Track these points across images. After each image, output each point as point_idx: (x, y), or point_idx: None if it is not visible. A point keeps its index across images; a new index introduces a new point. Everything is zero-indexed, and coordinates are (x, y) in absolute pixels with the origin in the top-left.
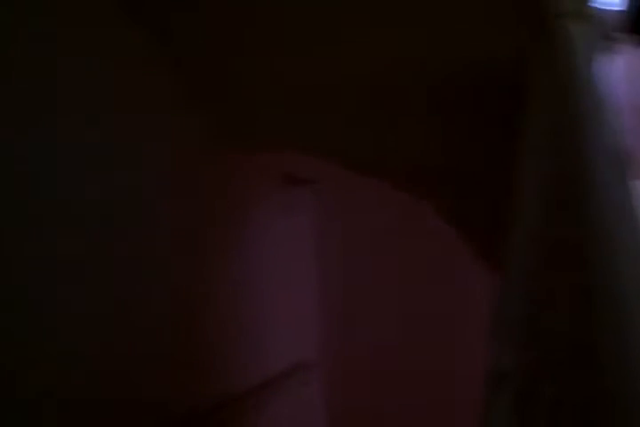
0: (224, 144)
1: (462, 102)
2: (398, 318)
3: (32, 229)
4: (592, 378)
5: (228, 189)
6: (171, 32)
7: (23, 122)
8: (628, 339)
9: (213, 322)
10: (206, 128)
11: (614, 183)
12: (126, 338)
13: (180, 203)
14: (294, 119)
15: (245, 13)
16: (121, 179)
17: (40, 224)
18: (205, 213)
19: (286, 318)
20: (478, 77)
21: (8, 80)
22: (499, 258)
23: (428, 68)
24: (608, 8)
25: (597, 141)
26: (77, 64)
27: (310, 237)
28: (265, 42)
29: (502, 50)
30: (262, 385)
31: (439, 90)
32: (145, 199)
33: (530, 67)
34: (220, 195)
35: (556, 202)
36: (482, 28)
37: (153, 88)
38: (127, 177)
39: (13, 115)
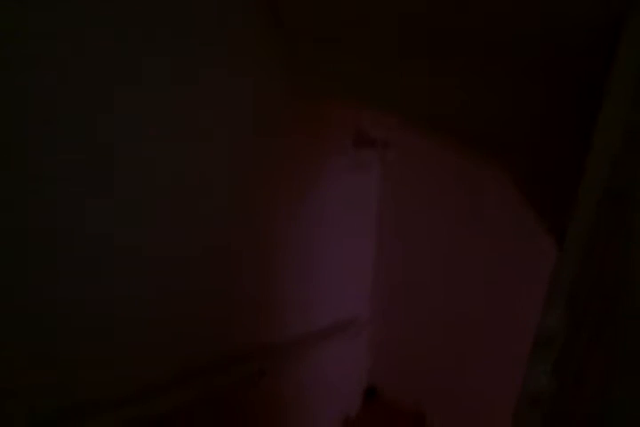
0: (308, 95)
1: (551, 65)
2: (449, 281)
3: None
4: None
5: (305, 140)
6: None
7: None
8: None
9: (283, 265)
10: (294, 81)
11: None
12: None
13: (263, 141)
14: (371, 77)
15: None
16: (222, 113)
17: None
18: (283, 155)
19: (346, 272)
20: (574, 39)
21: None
22: (560, 232)
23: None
24: None
25: None
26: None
27: (373, 195)
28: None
29: (601, 14)
30: (319, 332)
31: (534, 48)
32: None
33: (624, 34)
34: (297, 142)
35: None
36: None
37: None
38: (227, 112)
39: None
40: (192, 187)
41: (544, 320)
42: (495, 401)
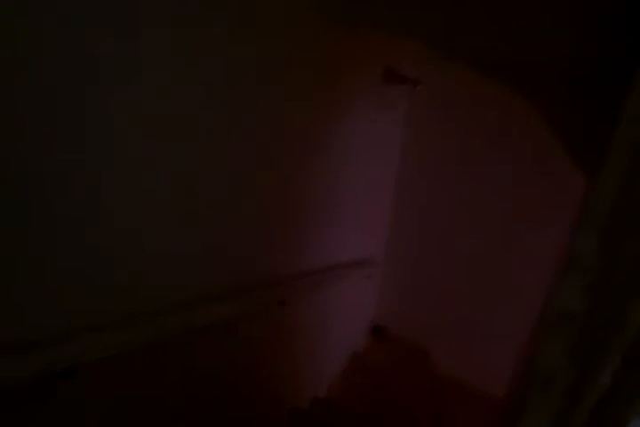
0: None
1: None
2: (465, 224)
3: None
4: None
5: (336, 74)
6: None
7: None
8: None
9: (306, 199)
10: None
11: None
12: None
13: (294, 72)
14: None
15: None
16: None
17: None
18: (313, 88)
19: (366, 211)
20: None
21: None
22: (591, 168)
23: None
24: None
25: None
26: None
27: (398, 135)
28: None
29: None
30: (335, 268)
31: None
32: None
33: None
34: (328, 76)
35: None
36: None
37: None
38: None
39: None
40: (216, 120)
41: (576, 246)
42: (496, 338)
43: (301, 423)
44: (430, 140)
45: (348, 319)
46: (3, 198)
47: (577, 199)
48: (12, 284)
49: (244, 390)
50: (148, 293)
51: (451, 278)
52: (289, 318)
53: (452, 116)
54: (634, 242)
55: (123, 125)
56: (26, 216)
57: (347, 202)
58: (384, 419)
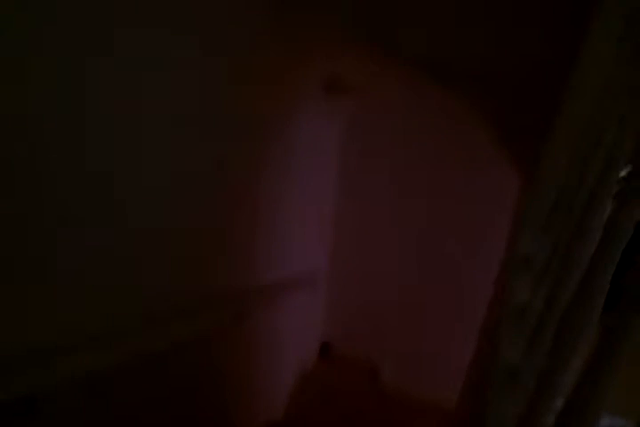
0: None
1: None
2: (407, 236)
3: None
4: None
5: (279, 83)
6: None
7: None
8: None
9: (252, 211)
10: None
11: None
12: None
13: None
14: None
15: None
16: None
17: None
18: (256, 96)
19: (309, 222)
20: None
21: None
22: (528, 161)
23: None
24: None
25: None
26: None
27: (339, 144)
28: None
29: None
30: (280, 282)
31: None
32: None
33: None
34: (271, 85)
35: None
36: None
37: None
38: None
39: None
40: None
41: (520, 246)
42: (445, 352)
43: None
44: (371, 148)
45: (297, 337)
46: None
47: (514, 200)
48: None
49: (201, 413)
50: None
51: (397, 292)
52: (240, 336)
53: (394, 123)
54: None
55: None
56: None
57: (290, 215)
58: None
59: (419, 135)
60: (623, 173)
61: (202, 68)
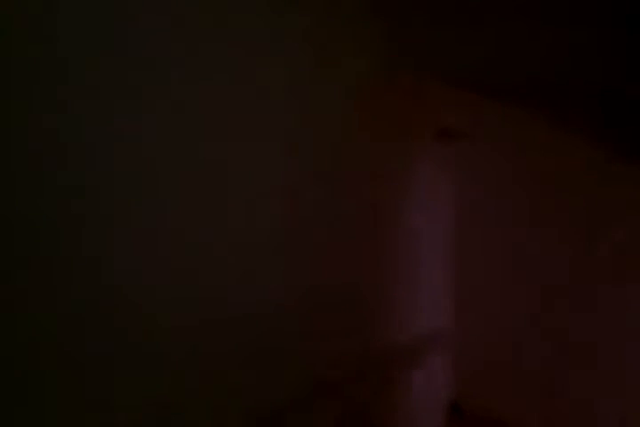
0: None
1: None
2: (532, 288)
3: None
4: None
5: (397, 132)
6: None
7: None
8: None
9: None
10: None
11: None
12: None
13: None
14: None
15: None
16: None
17: None
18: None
19: (434, 282)
20: None
21: None
22: None
23: None
24: None
25: None
26: None
27: (455, 191)
28: None
29: None
30: (413, 342)
31: None
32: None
33: None
34: (391, 133)
35: None
36: None
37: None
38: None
39: None
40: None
41: None
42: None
43: None
44: (487, 194)
45: (429, 398)
46: None
47: None
48: None
49: None
50: None
51: (528, 347)
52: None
53: (509, 166)
54: None
55: None
56: None
57: (415, 272)
58: None
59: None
60: None
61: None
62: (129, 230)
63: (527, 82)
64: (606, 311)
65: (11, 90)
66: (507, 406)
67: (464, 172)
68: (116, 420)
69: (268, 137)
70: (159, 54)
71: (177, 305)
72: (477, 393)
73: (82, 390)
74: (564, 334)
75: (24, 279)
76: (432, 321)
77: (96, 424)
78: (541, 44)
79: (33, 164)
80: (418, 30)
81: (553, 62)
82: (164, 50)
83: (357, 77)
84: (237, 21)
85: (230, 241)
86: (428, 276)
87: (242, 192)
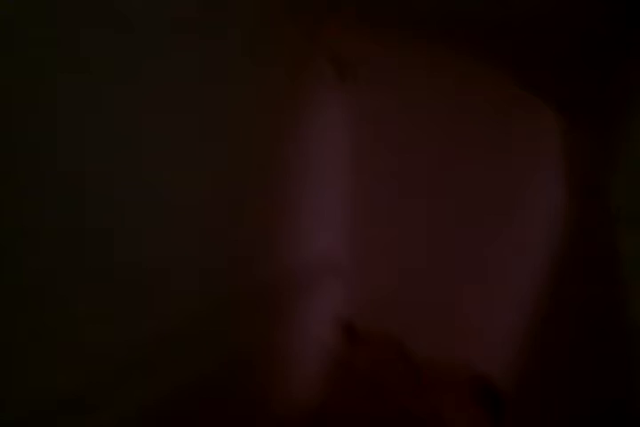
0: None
1: None
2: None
3: None
4: None
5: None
6: None
7: None
8: None
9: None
10: None
11: None
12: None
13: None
14: None
15: None
16: None
17: None
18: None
19: (326, 210)
20: None
21: None
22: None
23: None
24: None
25: None
26: None
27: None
28: None
29: None
30: (303, 270)
31: None
32: None
33: None
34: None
35: None
36: None
37: None
38: None
39: None
40: None
41: None
42: (471, 318)
43: None
44: (383, 125)
45: (323, 321)
46: None
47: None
48: None
49: (242, 407)
50: None
51: (417, 266)
52: (272, 329)
53: (406, 97)
54: None
55: None
56: None
57: (304, 195)
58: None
59: (435, 103)
60: None
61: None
62: None
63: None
64: (492, 228)
65: None
66: (399, 324)
67: (361, 107)
68: None
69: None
70: None
71: None
72: (370, 314)
73: None
74: (451, 251)
75: None
76: (323, 246)
77: None
78: None
79: None
80: None
81: None
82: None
83: (254, 25)
84: None
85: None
86: (320, 205)
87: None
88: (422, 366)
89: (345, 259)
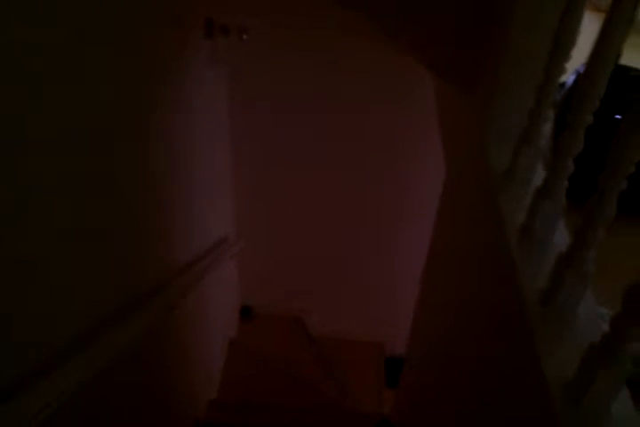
0: None
1: None
2: (309, 188)
3: None
4: None
5: (153, 30)
6: None
7: None
8: None
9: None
10: None
11: None
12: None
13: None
14: None
15: None
16: None
17: None
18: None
19: (210, 192)
20: None
21: None
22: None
23: None
24: None
25: None
26: None
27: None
28: None
29: None
30: (197, 257)
31: None
32: None
33: None
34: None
35: None
36: None
37: None
38: None
39: None
40: None
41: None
42: (365, 291)
43: None
44: (262, 94)
45: (221, 307)
46: None
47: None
48: None
49: (147, 401)
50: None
51: (306, 243)
52: (173, 321)
53: (282, 65)
54: None
55: None
56: None
57: (193, 179)
58: (283, 402)
59: (309, 75)
60: None
61: None
62: None
63: None
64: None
65: None
66: (296, 301)
67: (241, 69)
68: None
69: None
70: None
71: None
72: (266, 294)
73: None
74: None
75: None
76: (217, 232)
77: None
78: None
79: None
80: None
81: None
82: None
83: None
84: None
85: None
86: (209, 193)
87: None
88: (319, 340)
89: (238, 242)
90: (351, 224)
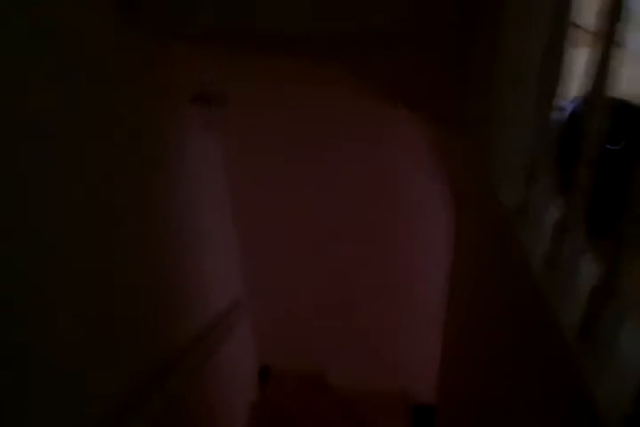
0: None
1: None
2: (317, 243)
3: None
4: None
5: (146, 93)
6: None
7: None
8: None
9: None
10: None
11: None
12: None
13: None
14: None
15: None
16: None
17: None
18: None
19: (217, 253)
20: None
21: None
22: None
23: None
24: None
25: None
26: None
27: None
28: None
29: None
30: (212, 323)
31: None
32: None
33: None
34: (139, 95)
35: None
36: None
37: None
38: None
39: None
40: None
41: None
42: (384, 343)
43: None
44: (256, 154)
45: (238, 370)
46: None
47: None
48: None
49: None
50: None
51: (321, 297)
52: (193, 386)
53: (272, 124)
54: None
55: None
56: None
57: (200, 235)
58: None
59: (300, 128)
60: None
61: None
62: None
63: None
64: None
65: None
66: (317, 359)
67: (231, 135)
68: None
69: None
70: None
71: None
72: (285, 353)
73: None
74: (347, 277)
75: None
76: (227, 296)
77: None
78: None
79: None
80: None
81: None
82: None
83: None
84: None
85: None
86: (215, 253)
87: None
88: (347, 396)
89: (251, 302)
90: (363, 272)
